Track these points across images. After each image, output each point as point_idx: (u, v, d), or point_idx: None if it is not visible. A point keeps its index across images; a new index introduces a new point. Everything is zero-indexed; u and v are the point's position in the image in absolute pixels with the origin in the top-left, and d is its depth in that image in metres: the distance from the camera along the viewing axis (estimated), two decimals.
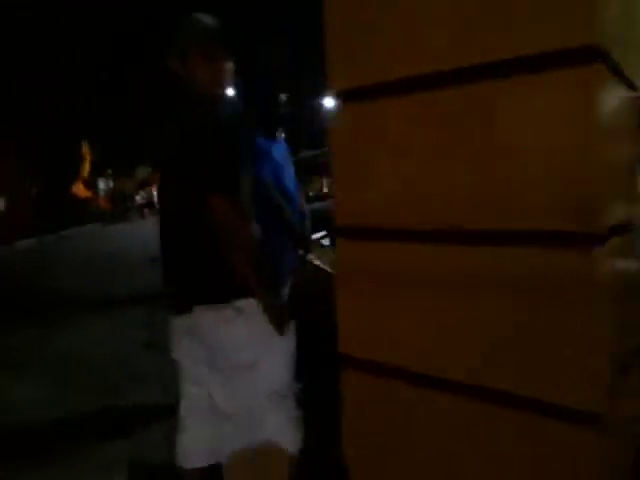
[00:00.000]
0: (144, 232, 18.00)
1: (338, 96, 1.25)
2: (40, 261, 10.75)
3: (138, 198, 28.29)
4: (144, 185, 34.26)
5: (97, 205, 23.17)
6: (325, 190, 10.04)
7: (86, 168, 21.17)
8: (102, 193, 26.69)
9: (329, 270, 2.92)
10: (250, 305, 1.48)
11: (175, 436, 1.73)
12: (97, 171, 24.56)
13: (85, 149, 20.76)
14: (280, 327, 1.48)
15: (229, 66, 1.58)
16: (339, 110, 1.27)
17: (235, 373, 1.47)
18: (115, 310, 5.67)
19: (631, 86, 1.15)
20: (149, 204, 26.49)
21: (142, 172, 32.91)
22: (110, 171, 28.56)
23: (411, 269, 1.18)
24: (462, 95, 1.05)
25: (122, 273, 8.50)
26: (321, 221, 3.29)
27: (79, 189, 20.80)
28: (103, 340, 4.48)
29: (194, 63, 1.53)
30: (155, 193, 30.47)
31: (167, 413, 3.05)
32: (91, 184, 23.01)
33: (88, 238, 16.46)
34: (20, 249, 12.82)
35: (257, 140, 2.60)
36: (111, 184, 28.85)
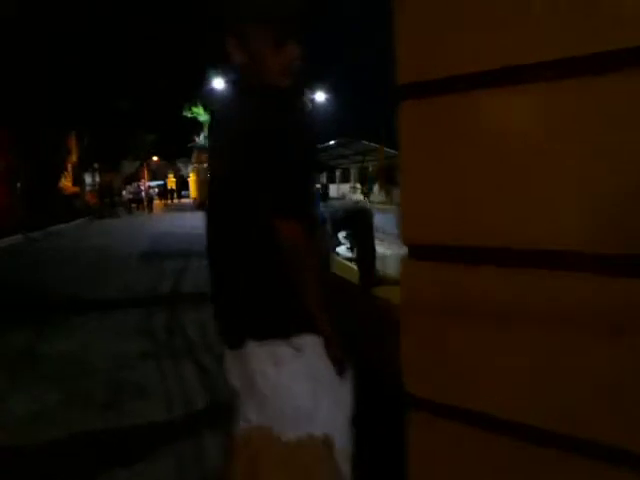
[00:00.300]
0: (132, 228, 17.71)
1: (413, 90, 1.04)
2: (27, 259, 10.39)
3: (125, 193, 27.84)
4: (131, 180, 33.78)
5: (84, 200, 22.68)
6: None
7: (72, 163, 20.67)
8: (88, 188, 26.17)
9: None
10: (312, 342, 1.24)
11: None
12: (83, 165, 24.05)
13: (71, 143, 20.25)
14: (342, 366, 1.27)
15: (299, 49, 1.27)
16: (412, 107, 1.06)
17: (287, 424, 1.24)
18: (109, 312, 5.42)
19: None
20: (137, 199, 26.07)
21: (129, 166, 32.42)
22: (96, 165, 28.04)
23: (501, 298, 0.98)
24: (581, 87, 0.86)
25: (112, 272, 8.23)
26: (340, 222, 3.10)
27: (65, 185, 20.31)
28: (100, 346, 4.23)
29: (261, 46, 1.23)
30: (142, 187, 30.01)
31: (174, 433, 2.85)
32: (78, 179, 22.51)
33: (75, 235, 16.05)
34: (5, 246, 12.41)
35: None
36: (97, 178, 28.34)
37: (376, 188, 30.31)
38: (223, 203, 1.30)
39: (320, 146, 10.18)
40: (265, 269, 1.22)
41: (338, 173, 40.30)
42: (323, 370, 1.24)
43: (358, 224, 3.06)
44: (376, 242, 3.14)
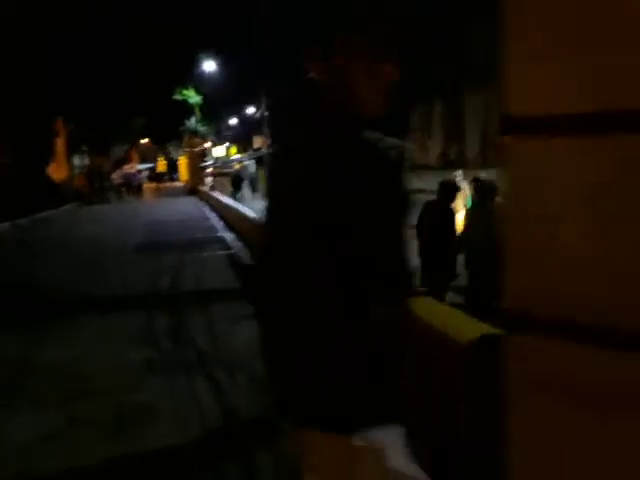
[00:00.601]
0: (123, 215, 17.26)
1: (520, 125, 0.77)
2: (15, 249, 10.00)
3: (115, 177, 27.21)
4: (120, 164, 33.07)
5: (73, 185, 22.08)
6: None
7: (60, 146, 20.04)
8: (77, 170, 25.52)
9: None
10: (394, 437, 0.97)
11: None
12: (71, 147, 23.38)
13: (59, 126, 19.61)
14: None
15: (398, 68, 0.97)
16: (520, 147, 0.79)
17: None
18: (105, 313, 5.09)
19: None
20: (127, 184, 25.50)
21: (119, 150, 31.67)
22: (85, 147, 27.35)
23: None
24: None
25: (106, 265, 7.88)
26: None
27: (54, 170, 19.71)
28: (101, 356, 3.92)
29: (352, 67, 0.92)
30: (131, 171, 29.35)
31: (189, 459, 2.59)
32: (67, 163, 21.88)
33: (65, 222, 15.59)
34: None
35: None
36: (86, 161, 27.66)
37: None
38: (294, 260, 1.00)
39: None
40: (348, 348, 0.95)
41: None
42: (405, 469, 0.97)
43: None
44: None
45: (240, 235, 10.24)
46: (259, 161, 12.07)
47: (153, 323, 4.73)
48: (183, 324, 4.66)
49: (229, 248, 9.11)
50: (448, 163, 34.17)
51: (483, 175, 5.33)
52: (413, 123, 47.30)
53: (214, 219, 14.15)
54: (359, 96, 0.93)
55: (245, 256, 8.19)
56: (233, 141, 57.03)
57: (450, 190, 4.67)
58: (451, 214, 4.55)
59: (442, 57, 38.72)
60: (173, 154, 46.53)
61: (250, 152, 41.46)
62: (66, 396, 3.28)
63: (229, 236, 10.58)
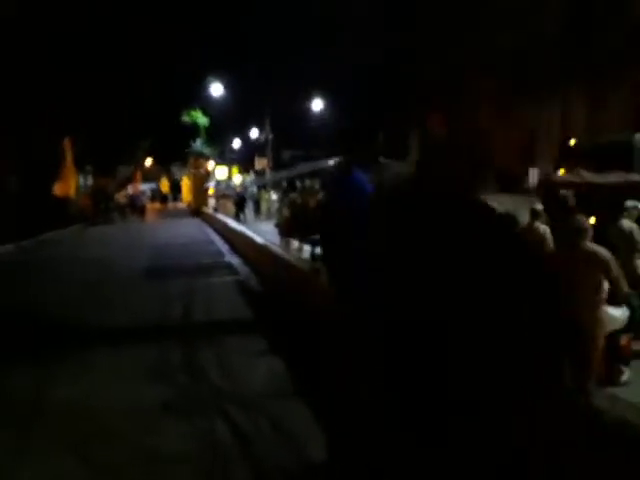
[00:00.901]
0: (128, 237, 17.17)
1: None
2: (21, 274, 9.87)
3: (119, 197, 27.24)
4: (125, 184, 33.17)
5: (78, 205, 22.05)
6: None
7: (68, 166, 20.06)
8: (81, 191, 25.55)
9: None
10: None
11: None
12: (77, 167, 23.44)
13: (67, 145, 19.68)
14: None
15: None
16: None
17: None
18: (115, 345, 4.94)
19: None
20: (131, 204, 25.51)
21: (124, 171, 31.79)
22: (89, 167, 27.44)
23: None
24: None
25: (114, 290, 7.75)
26: None
27: (61, 189, 19.68)
28: (113, 394, 3.76)
29: (485, 116, 0.79)
30: (136, 193, 29.38)
31: None
32: (74, 183, 21.88)
33: (70, 243, 15.52)
34: None
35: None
36: (90, 181, 27.71)
37: None
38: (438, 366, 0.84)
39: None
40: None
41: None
42: None
43: None
44: None
45: (246, 259, 10.14)
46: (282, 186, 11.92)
47: (165, 357, 4.58)
48: (196, 358, 4.51)
49: (236, 274, 8.99)
50: None
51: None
52: (412, 141, 47.47)
53: (219, 242, 14.06)
54: (491, 149, 0.81)
55: (253, 283, 8.07)
56: (236, 162, 57.30)
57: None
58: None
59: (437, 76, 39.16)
60: (176, 175, 46.74)
61: (252, 175, 41.60)
62: (79, 439, 3.12)
63: (235, 261, 10.47)
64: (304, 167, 10.99)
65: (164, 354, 4.65)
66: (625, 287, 3.67)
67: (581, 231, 3.84)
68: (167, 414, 3.43)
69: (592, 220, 7.72)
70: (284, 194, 11.87)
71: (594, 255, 3.63)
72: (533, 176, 19.82)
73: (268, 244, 8.98)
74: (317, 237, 8.88)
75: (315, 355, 4.40)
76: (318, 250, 8.97)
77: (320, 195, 11.23)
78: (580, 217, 4.02)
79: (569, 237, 3.91)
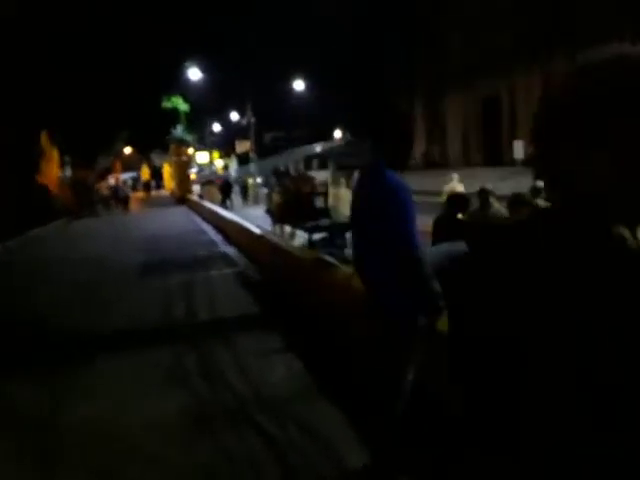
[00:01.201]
0: (115, 230, 16.77)
1: None
2: (9, 276, 9.54)
3: (102, 189, 26.60)
4: (105, 174, 32.40)
5: (60, 199, 21.43)
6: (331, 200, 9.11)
7: (50, 159, 19.43)
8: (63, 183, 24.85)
9: None
10: None
11: None
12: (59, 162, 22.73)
13: (45, 139, 19.01)
14: None
15: None
16: None
17: None
18: (124, 353, 4.75)
19: None
20: (115, 195, 24.95)
21: (104, 161, 31.00)
22: (68, 159, 26.68)
23: None
24: None
25: (109, 290, 7.51)
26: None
27: (45, 182, 19.04)
28: (131, 408, 3.60)
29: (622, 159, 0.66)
30: (119, 183, 28.71)
31: None
32: (57, 176, 21.25)
33: (56, 240, 15.10)
34: None
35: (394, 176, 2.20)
36: (69, 173, 26.98)
37: (356, 175, 29.78)
38: None
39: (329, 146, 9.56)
40: None
41: (315, 161, 39.49)
42: None
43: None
44: None
45: (241, 249, 9.95)
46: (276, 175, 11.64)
47: (178, 362, 4.42)
48: (211, 362, 4.36)
49: (235, 265, 8.81)
50: (430, 164, 34.17)
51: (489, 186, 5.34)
52: None
53: (211, 232, 13.81)
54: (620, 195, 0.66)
55: (253, 274, 7.91)
56: (216, 146, 56.44)
57: (458, 203, 4.53)
58: (461, 227, 4.41)
59: (422, 58, 38.79)
60: (157, 162, 45.86)
61: (233, 159, 40.97)
62: (102, 462, 2.97)
63: (231, 251, 10.28)
64: (295, 154, 10.74)
65: (177, 359, 4.49)
66: None
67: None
68: (195, 427, 3.28)
69: None
70: (277, 179, 11.62)
71: None
72: (518, 148, 19.85)
73: (265, 234, 8.80)
74: (315, 224, 8.75)
75: (331, 352, 4.30)
76: (316, 237, 8.83)
77: (314, 181, 11.02)
78: None
79: None
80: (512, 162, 18.75)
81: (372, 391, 2.47)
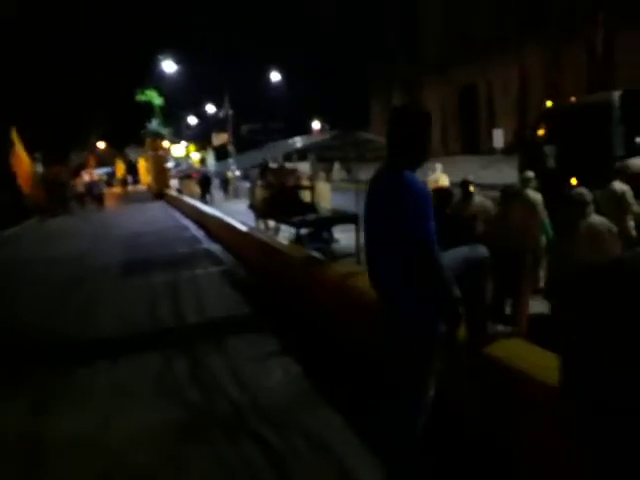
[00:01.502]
0: (93, 228, 16.29)
1: None
2: None
3: (76, 185, 25.84)
4: (79, 170, 31.52)
5: (32, 197, 20.74)
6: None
7: (21, 157, 18.75)
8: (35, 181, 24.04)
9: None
10: None
11: None
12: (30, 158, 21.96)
13: (14, 136, 18.32)
14: None
15: None
16: None
17: None
18: (112, 360, 4.53)
19: None
20: (89, 192, 24.27)
21: (77, 157, 30.10)
22: (38, 155, 25.83)
23: None
24: None
25: (91, 293, 7.23)
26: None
27: (18, 177, 18.37)
28: (121, 418, 3.42)
29: None
30: (94, 179, 27.96)
31: None
32: (30, 174, 20.53)
33: (29, 241, 14.61)
34: None
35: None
36: (40, 169, 26.13)
37: (336, 167, 29.66)
38: None
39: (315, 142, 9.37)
40: None
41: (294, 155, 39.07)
42: None
43: (475, 278, 2.45)
44: None
45: (225, 245, 9.75)
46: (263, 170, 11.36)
47: (170, 368, 4.25)
48: (203, 367, 4.20)
49: (221, 263, 8.61)
50: None
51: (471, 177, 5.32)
52: (374, 113, 47.18)
53: (192, 228, 13.53)
54: None
55: (240, 272, 7.74)
56: (192, 139, 55.48)
57: (442, 198, 4.44)
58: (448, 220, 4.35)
59: (399, 49, 38.71)
60: (132, 157, 44.86)
61: (210, 152, 40.28)
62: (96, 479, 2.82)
63: (215, 247, 10.06)
64: (279, 147, 10.51)
65: (167, 365, 4.32)
66: None
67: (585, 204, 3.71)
68: (189, 440, 3.13)
69: (574, 181, 7.72)
70: (261, 174, 11.40)
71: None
72: (498, 136, 19.96)
73: (252, 230, 8.62)
74: (302, 218, 8.58)
75: (329, 353, 4.19)
76: (303, 232, 8.68)
77: (298, 173, 10.84)
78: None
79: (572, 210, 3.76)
80: (490, 151, 18.85)
81: (386, 406, 2.34)
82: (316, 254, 5.80)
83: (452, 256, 2.32)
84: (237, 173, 26.23)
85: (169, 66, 22.15)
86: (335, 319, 4.47)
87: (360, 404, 3.31)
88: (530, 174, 5.91)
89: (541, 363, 2.36)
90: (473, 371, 2.68)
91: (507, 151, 20.67)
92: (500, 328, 2.71)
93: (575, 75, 26.02)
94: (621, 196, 5.11)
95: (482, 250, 2.49)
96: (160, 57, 20.97)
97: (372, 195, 2.28)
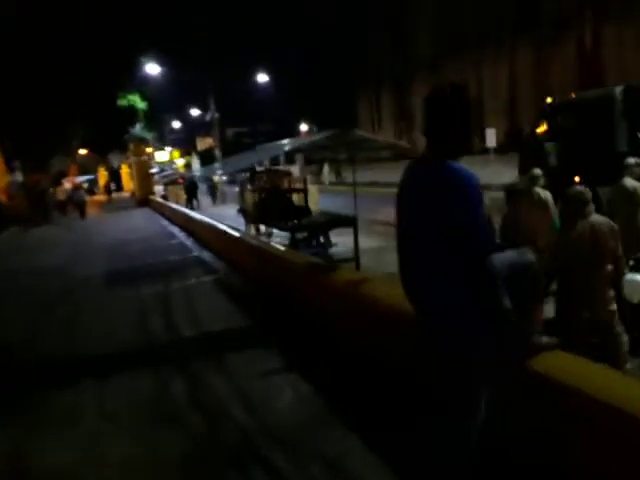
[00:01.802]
0: (77, 237, 15.75)
1: None
2: None
3: (58, 193, 25.15)
4: (60, 178, 30.77)
5: (10, 206, 20.07)
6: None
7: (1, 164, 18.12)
8: (14, 189, 23.33)
9: None
10: None
11: None
12: (5, 165, 21.32)
13: None
14: None
15: None
16: None
17: None
18: (102, 382, 4.13)
19: None
20: (71, 200, 23.61)
21: (59, 164, 29.35)
22: (18, 164, 25.12)
23: None
24: None
25: (77, 307, 6.78)
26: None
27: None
28: (113, 449, 3.03)
29: None
30: (76, 187, 27.26)
31: None
32: (7, 182, 19.88)
33: (10, 252, 14.04)
34: None
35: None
36: (20, 178, 25.40)
37: (326, 169, 29.39)
38: None
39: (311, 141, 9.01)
40: None
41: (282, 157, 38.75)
42: None
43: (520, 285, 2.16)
44: None
45: (217, 253, 9.37)
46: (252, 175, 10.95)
47: (165, 390, 3.88)
48: (204, 388, 3.84)
49: (214, 271, 8.22)
50: (400, 155, 34.18)
51: None
52: (362, 114, 47.07)
53: (180, 235, 13.10)
54: None
55: (235, 281, 7.37)
56: (176, 144, 54.85)
57: None
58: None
59: (389, 47, 38.60)
60: (114, 163, 44.07)
61: (194, 156, 39.71)
62: None
63: (206, 255, 9.67)
64: (271, 149, 10.16)
65: (162, 386, 3.94)
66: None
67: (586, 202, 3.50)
68: (190, 472, 2.78)
69: (577, 179, 7.50)
70: (251, 177, 11.03)
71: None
72: (491, 136, 19.82)
73: (245, 236, 8.27)
74: (297, 223, 8.24)
75: (341, 367, 3.86)
76: (299, 236, 8.34)
77: (293, 175, 10.51)
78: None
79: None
80: (482, 150, 18.71)
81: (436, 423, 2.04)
82: (316, 259, 5.49)
83: (498, 260, 2.01)
84: (224, 178, 25.80)
85: (152, 68, 21.66)
86: (344, 328, 4.15)
87: (378, 420, 3.01)
88: (538, 172, 5.66)
89: (594, 378, 2.10)
90: (524, 389, 2.38)
91: (500, 150, 20.56)
92: (545, 339, 2.42)
93: (564, 73, 26.12)
94: (632, 192, 4.92)
95: (529, 256, 2.21)
96: (142, 59, 20.51)
97: (406, 191, 1.97)
